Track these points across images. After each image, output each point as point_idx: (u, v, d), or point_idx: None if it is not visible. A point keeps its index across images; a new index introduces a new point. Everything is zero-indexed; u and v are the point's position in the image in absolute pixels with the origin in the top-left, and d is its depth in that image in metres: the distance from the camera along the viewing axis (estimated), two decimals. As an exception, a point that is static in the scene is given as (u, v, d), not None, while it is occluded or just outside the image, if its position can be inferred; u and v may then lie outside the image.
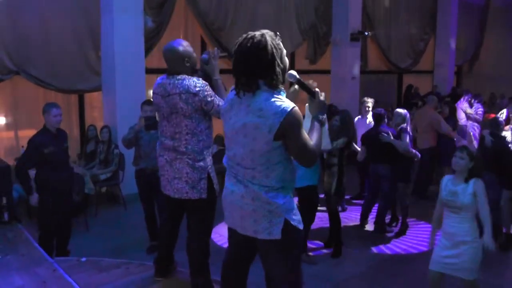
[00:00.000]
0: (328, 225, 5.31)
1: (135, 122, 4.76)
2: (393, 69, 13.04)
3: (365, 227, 6.00)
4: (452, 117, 8.02)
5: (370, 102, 7.11)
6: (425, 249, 5.18)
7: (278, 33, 2.23)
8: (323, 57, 10.78)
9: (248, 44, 2.15)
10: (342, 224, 5.28)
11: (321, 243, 5.40)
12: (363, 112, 7.17)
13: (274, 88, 2.18)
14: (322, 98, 2.40)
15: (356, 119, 6.80)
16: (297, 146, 2.19)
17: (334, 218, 5.16)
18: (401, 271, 4.79)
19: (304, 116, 2.29)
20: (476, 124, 8.15)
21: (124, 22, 6.88)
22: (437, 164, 7.64)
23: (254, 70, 2.16)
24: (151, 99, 3.55)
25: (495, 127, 5.49)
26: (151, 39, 7.59)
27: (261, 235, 2.25)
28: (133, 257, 4.27)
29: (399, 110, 5.96)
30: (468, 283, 3.43)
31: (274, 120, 2.12)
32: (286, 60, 2.25)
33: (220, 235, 5.37)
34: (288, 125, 2.13)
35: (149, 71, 7.37)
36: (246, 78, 2.17)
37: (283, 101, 2.16)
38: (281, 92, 2.21)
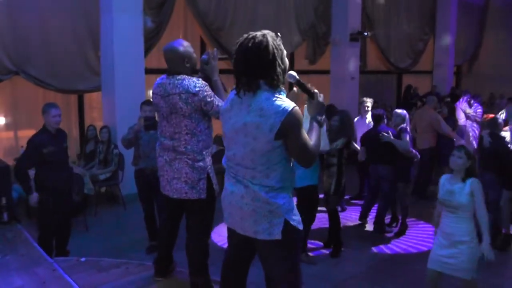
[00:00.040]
0: (327, 225, 5.31)
1: (135, 122, 4.75)
2: (393, 69, 13.05)
3: (365, 227, 6.00)
4: (451, 117, 8.02)
5: (369, 102, 7.11)
6: (425, 249, 5.19)
7: (279, 33, 2.24)
8: (322, 57, 10.78)
9: (250, 44, 2.15)
10: (342, 224, 5.28)
11: (321, 243, 5.40)
12: (362, 112, 7.17)
13: (274, 88, 2.19)
14: (320, 99, 2.41)
15: (355, 119, 6.80)
16: (297, 145, 2.19)
17: (334, 218, 5.16)
18: (400, 271, 4.79)
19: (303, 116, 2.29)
20: (475, 124, 8.16)
21: (124, 22, 6.87)
22: (437, 164, 7.64)
23: (255, 70, 2.16)
24: (151, 99, 3.55)
25: (494, 127, 5.47)
26: (150, 39, 7.59)
27: (261, 236, 2.25)
28: (132, 257, 4.28)
29: (398, 110, 5.97)
30: (466, 282, 3.42)
31: (275, 119, 2.12)
32: (286, 60, 2.26)
33: (219, 235, 5.36)
34: (289, 125, 2.13)
35: (148, 71, 7.37)
36: (247, 78, 2.18)
37: (284, 101, 2.17)
38: (282, 92, 2.22)
